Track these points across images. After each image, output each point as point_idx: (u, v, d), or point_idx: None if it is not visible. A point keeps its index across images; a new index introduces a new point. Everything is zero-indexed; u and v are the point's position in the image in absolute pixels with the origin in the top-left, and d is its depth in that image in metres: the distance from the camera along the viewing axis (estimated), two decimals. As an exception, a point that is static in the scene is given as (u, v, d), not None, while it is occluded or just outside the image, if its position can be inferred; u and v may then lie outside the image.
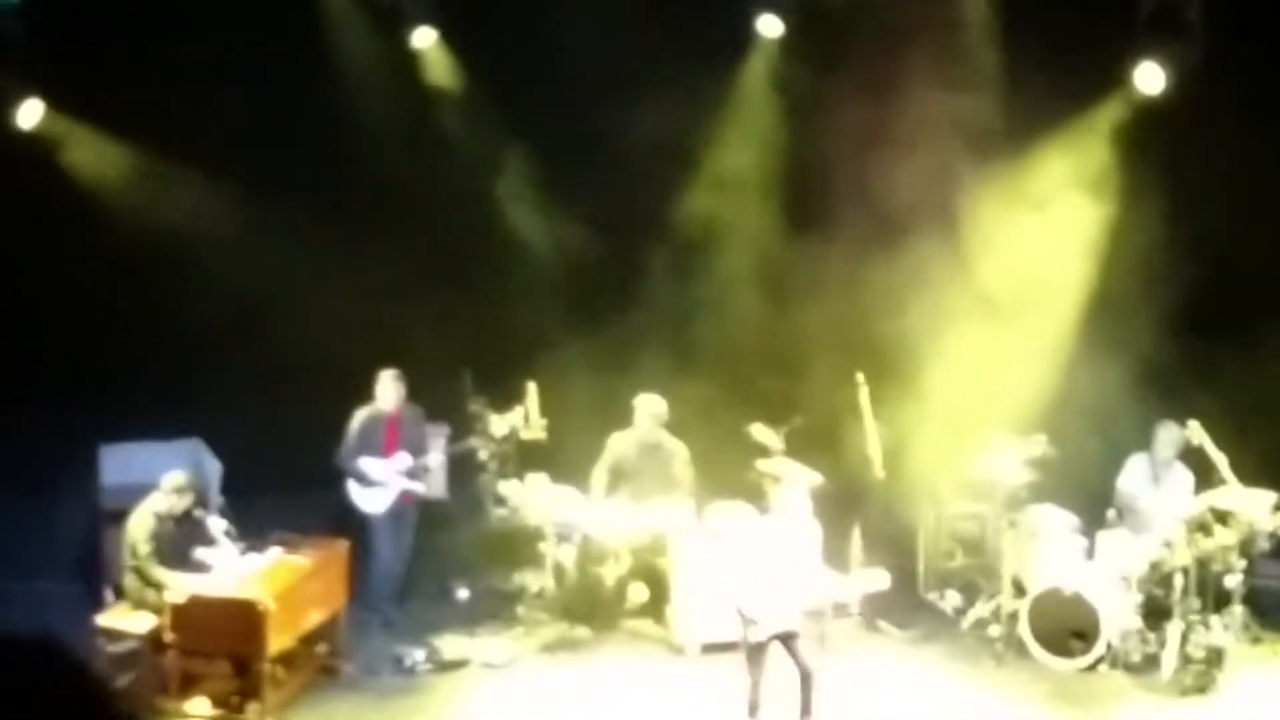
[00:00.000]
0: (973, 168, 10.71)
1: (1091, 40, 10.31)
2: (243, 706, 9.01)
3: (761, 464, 10.24)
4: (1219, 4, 10.20)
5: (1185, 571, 9.61)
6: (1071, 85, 10.57)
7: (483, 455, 10.79)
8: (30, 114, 10.65)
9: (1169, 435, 10.17)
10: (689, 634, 10.17)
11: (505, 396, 10.71)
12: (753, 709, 8.71)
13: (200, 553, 9.32)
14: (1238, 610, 9.74)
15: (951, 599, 10.83)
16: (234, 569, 9.22)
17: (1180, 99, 10.46)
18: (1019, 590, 10.12)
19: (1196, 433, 9.70)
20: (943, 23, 10.92)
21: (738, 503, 10.12)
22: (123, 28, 10.96)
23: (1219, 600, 9.74)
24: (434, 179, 11.87)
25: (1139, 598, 9.79)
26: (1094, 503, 10.35)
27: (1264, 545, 9.81)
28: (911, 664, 10.04)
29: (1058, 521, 10.26)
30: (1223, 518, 9.61)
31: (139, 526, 9.29)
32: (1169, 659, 9.57)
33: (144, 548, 9.25)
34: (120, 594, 9.52)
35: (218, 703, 9.07)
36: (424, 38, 11.87)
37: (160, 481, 9.37)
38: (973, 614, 10.49)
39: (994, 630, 10.11)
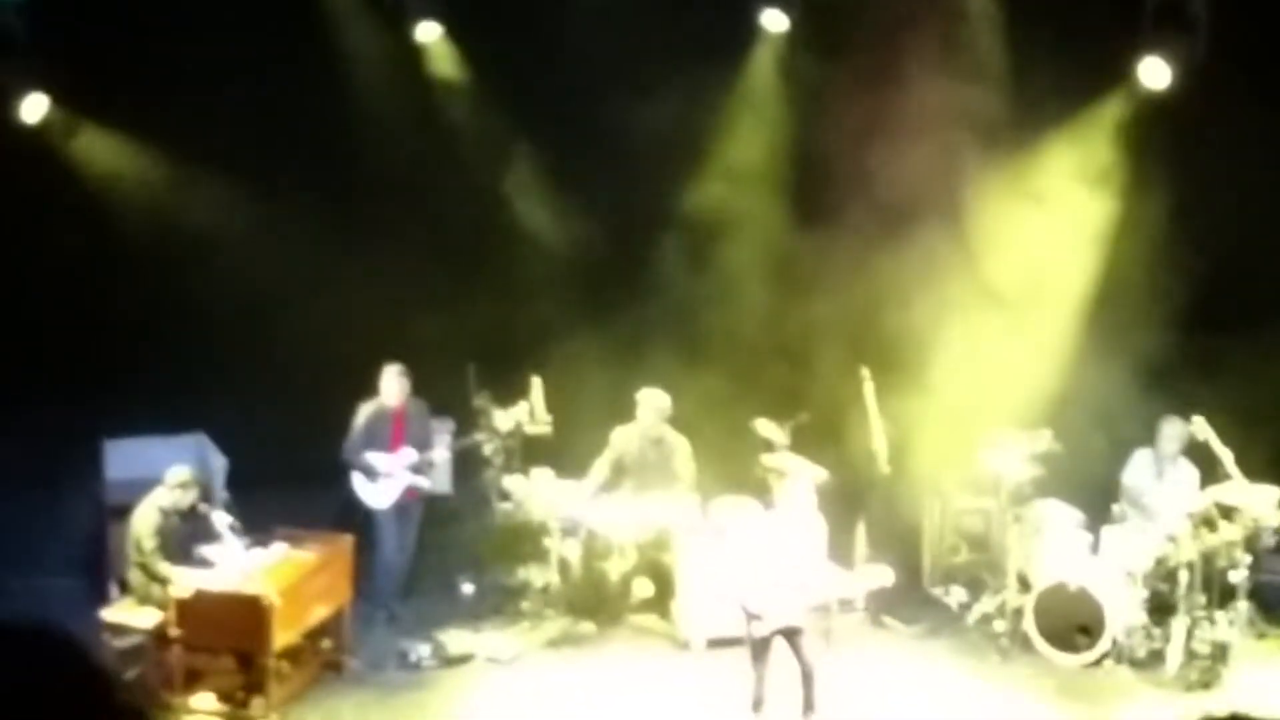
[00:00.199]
0: (978, 162, 10.69)
1: (1097, 34, 10.30)
2: (248, 702, 9.01)
3: (766, 459, 10.23)
4: (1225, -1, 10.20)
5: (1190, 567, 9.60)
6: (1077, 79, 10.56)
7: (487, 450, 10.77)
8: (34, 109, 10.63)
9: (1174, 430, 10.15)
10: (694, 629, 10.16)
11: (510, 391, 10.70)
12: (757, 704, 8.71)
13: (205, 549, 9.32)
14: (1243, 605, 9.73)
15: (956, 594, 10.82)
16: (239, 564, 9.21)
17: (1186, 94, 10.44)
18: (1024, 585, 10.11)
19: (1201, 428, 9.68)
20: (947, 16, 10.90)
21: (743, 498, 10.11)
22: (126, 24, 10.93)
23: (1224, 596, 9.73)
24: (439, 174, 11.86)
25: (1144, 593, 9.78)
26: (1099, 498, 10.34)
27: (1269, 540, 9.82)
28: (916, 659, 10.03)
29: (1063, 517, 10.25)
30: (1228, 513, 9.61)
31: (144, 521, 9.29)
32: (1174, 654, 9.56)
33: (149, 543, 9.25)
34: (125, 589, 9.53)
35: (223, 698, 9.07)
36: (428, 32, 11.85)
37: (165, 476, 9.37)
38: (978, 609, 10.48)
39: (999, 625, 10.10)
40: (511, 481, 10.74)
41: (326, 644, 9.82)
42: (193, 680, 9.11)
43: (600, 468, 10.75)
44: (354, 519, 10.47)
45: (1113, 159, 10.77)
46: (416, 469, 10.60)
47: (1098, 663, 9.71)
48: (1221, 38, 10.19)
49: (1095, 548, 10.10)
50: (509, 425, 10.65)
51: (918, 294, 10.65)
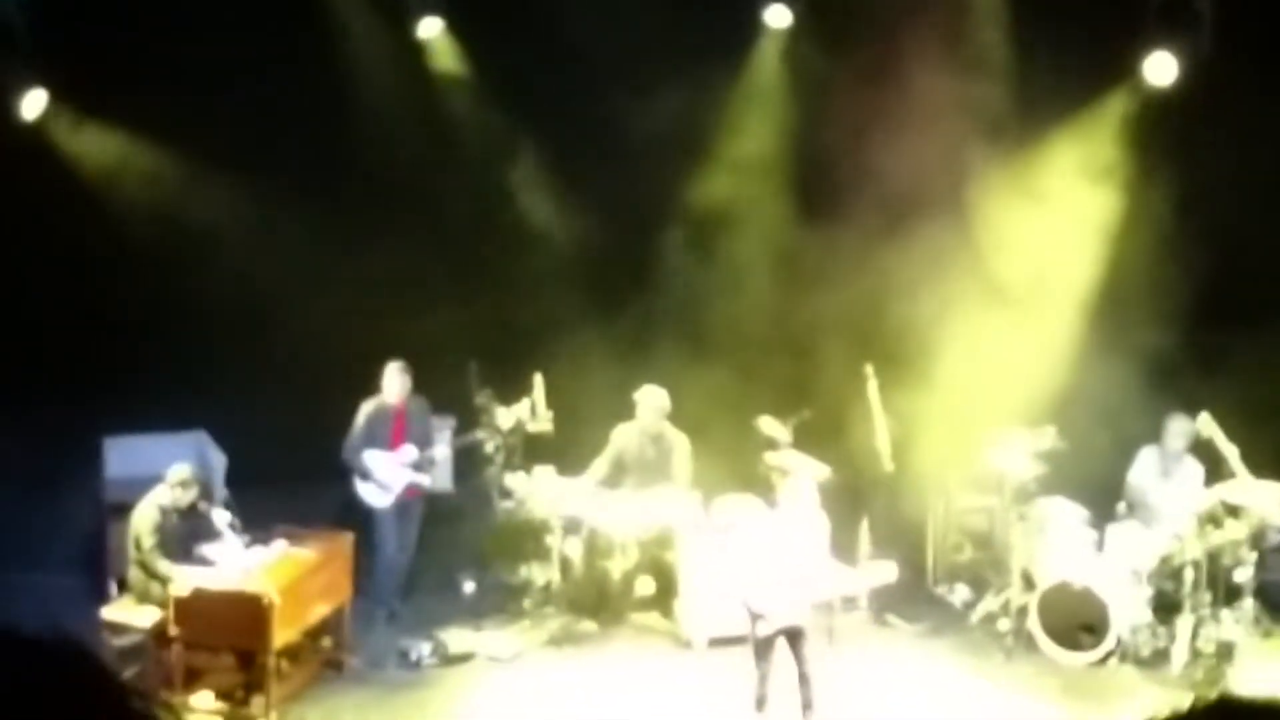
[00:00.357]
0: (983, 158, 10.64)
1: (1102, 29, 10.26)
2: (247, 700, 8.99)
3: (770, 457, 10.18)
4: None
5: (1195, 565, 9.56)
6: (1082, 74, 10.53)
7: (489, 448, 10.73)
8: (33, 105, 10.59)
9: (1179, 428, 10.10)
10: (696, 628, 10.12)
11: (512, 389, 10.65)
12: (760, 703, 8.67)
13: (205, 547, 9.28)
14: (1248, 604, 9.69)
15: (960, 593, 10.78)
16: (239, 562, 9.18)
17: (1191, 89, 10.40)
18: (1028, 584, 10.07)
19: (1207, 425, 9.64)
20: (951, 10, 10.86)
21: (746, 496, 10.07)
22: (126, 20, 10.90)
23: (1229, 594, 9.69)
24: (440, 170, 11.83)
25: (1149, 592, 9.74)
26: (1104, 496, 10.30)
27: (1275, 539, 9.77)
28: (920, 658, 9.99)
29: (1067, 515, 10.20)
30: (1233, 511, 9.56)
31: (143, 519, 9.26)
32: (1179, 653, 9.53)
33: (148, 541, 9.22)
34: (125, 587, 9.50)
35: (222, 696, 9.04)
36: (430, 28, 11.80)
37: (165, 474, 9.34)
38: (982, 608, 10.43)
39: (1003, 624, 10.06)
40: (513, 479, 10.69)
41: (327, 642, 9.80)
42: (193, 679, 9.08)
43: (599, 465, 10.71)
44: (354, 517, 10.44)
45: (1118, 154, 10.73)
46: (417, 467, 10.57)
47: (1102, 662, 9.66)
48: (1226, 32, 10.14)
49: (1100, 546, 10.05)
50: (510, 423, 10.61)
51: (922, 290, 10.60)
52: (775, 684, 8.63)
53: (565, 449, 10.79)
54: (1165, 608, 9.74)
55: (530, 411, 10.57)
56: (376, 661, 9.88)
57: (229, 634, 9.00)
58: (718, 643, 9.88)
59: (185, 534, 9.33)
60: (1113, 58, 10.62)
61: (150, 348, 11.23)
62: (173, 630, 8.94)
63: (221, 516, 9.41)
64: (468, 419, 10.96)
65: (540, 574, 10.74)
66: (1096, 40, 10.28)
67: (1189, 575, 9.57)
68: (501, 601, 10.78)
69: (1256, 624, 9.82)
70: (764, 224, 11.76)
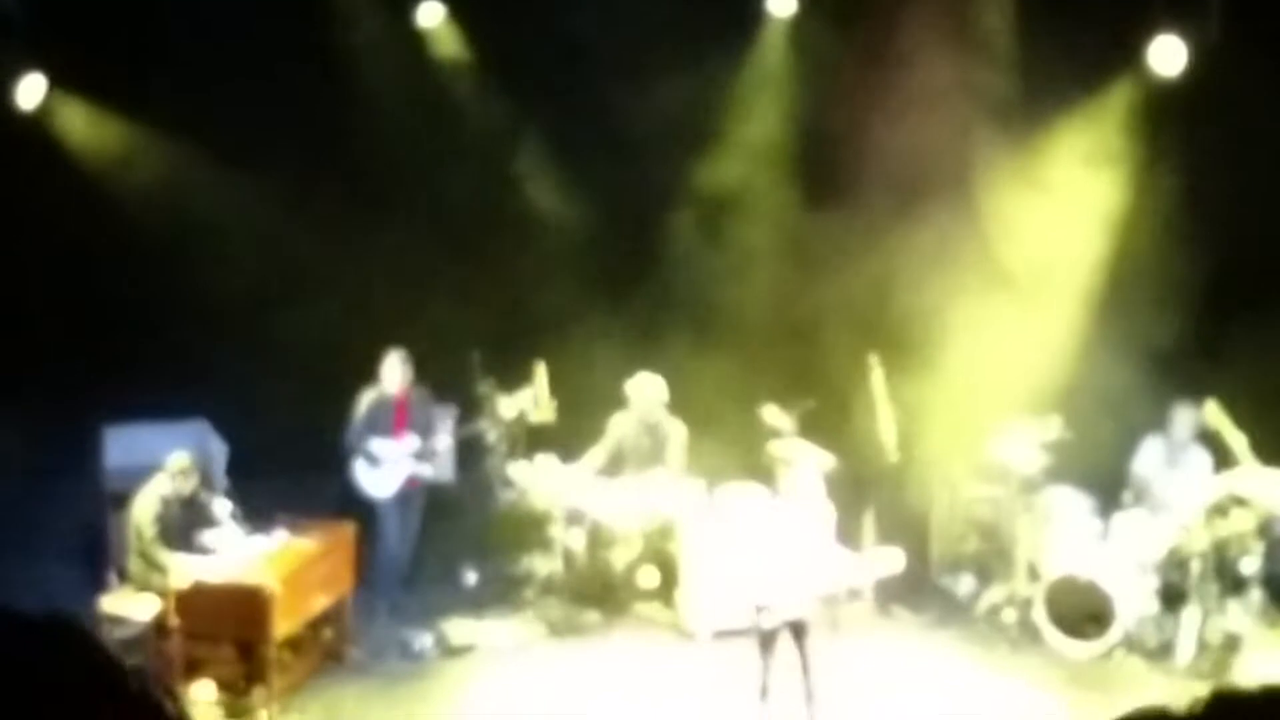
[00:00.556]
0: (988, 145, 10.58)
1: (1109, 17, 10.20)
2: (248, 691, 8.93)
3: (774, 446, 10.14)
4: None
5: (1202, 556, 9.51)
6: (1089, 61, 10.45)
7: (491, 438, 10.69)
8: (32, 91, 10.54)
9: (1185, 417, 10.05)
10: (699, 619, 10.09)
11: (516, 378, 10.61)
12: (763, 694, 8.62)
13: (205, 537, 9.25)
14: (1255, 595, 9.65)
15: (965, 583, 10.73)
16: (240, 552, 9.14)
17: (1198, 77, 10.34)
18: (1034, 574, 10.02)
19: (1214, 414, 9.58)
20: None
21: (750, 484, 10.02)
22: (125, 8, 10.86)
23: (1236, 585, 9.64)
24: (443, 158, 11.76)
25: (1155, 582, 9.69)
26: (1110, 485, 10.24)
27: (1281, 529, 9.71)
28: (924, 649, 9.95)
29: (1073, 505, 10.15)
30: (1241, 501, 9.51)
31: (144, 509, 9.22)
32: (1185, 644, 9.47)
33: (149, 530, 9.18)
34: (124, 577, 9.45)
35: (223, 687, 8.99)
36: (431, 15, 11.73)
37: (165, 463, 9.30)
38: (987, 598, 10.39)
39: (1008, 615, 10.01)
40: (515, 469, 10.65)
41: (328, 633, 9.75)
42: (193, 669, 9.02)
43: (597, 454, 10.67)
44: (356, 507, 10.40)
45: (1124, 142, 10.66)
46: (419, 457, 10.53)
47: (1108, 653, 9.61)
48: (1234, 18, 10.08)
49: (1106, 536, 9.99)
50: (513, 413, 10.56)
51: (927, 278, 10.53)
52: (778, 675, 8.58)
53: (570, 438, 10.75)
54: (1171, 598, 9.70)
55: (533, 401, 10.52)
56: (378, 652, 9.85)
57: (230, 625, 8.96)
58: (720, 634, 9.85)
59: (186, 524, 9.29)
60: (1120, 43, 10.56)
61: (151, 336, 11.18)
62: (173, 621, 8.90)
63: (222, 506, 9.37)
64: (470, 409, 10.92)
65: (542, 565, 10.70)
66: (1104, 27, 10.21)
67: (1195, 566, 9.52)
68: (503, 592, 10.75)
69: (1263, 615, 9.78)
70: (769, 212, 11.69)
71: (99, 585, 9.58)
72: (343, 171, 11.67)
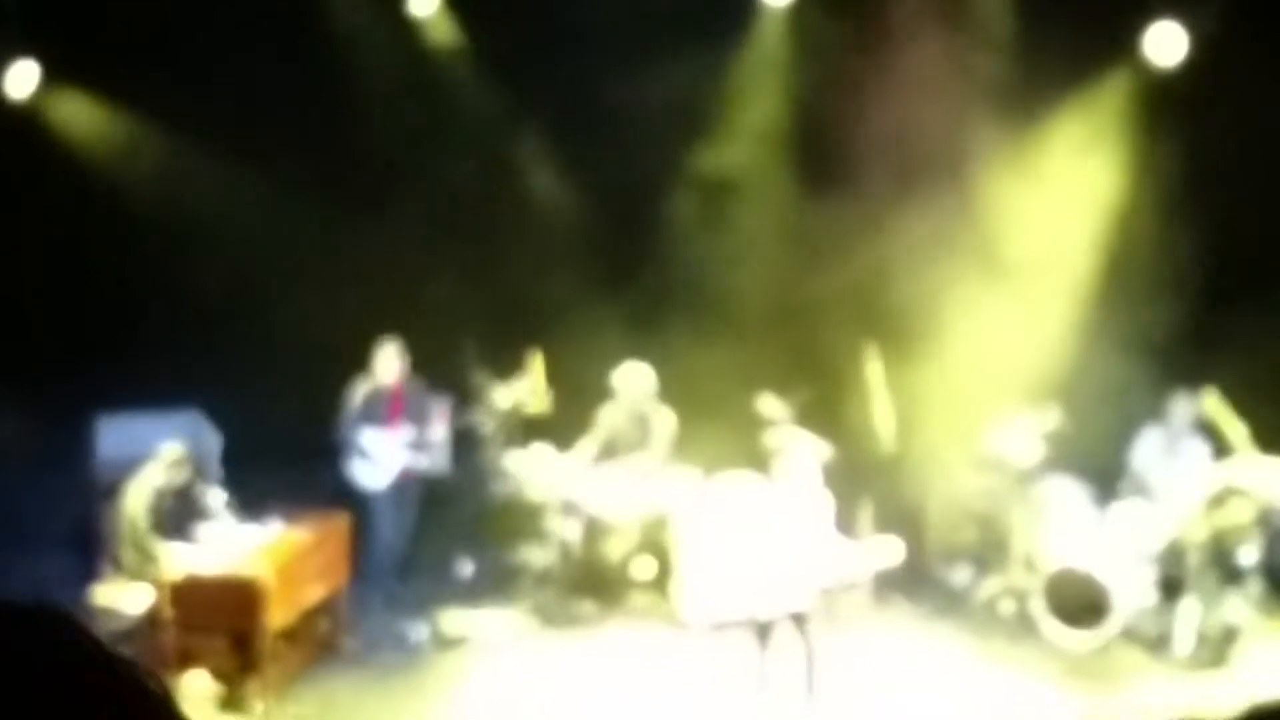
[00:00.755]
0: (986, 134, 10.54)
1: (1108, 4, 10.19)
2: (242, 682, 8.88)
3: (771, 435, 10.10)
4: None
5: (1200, 546, 9.48)
6: (1087, 48, 10.43)
7: (487, 428, 10.65)
8: (25, 79, 10.48)
9: (1183, 407, 10.03)
10: (695, 610, 10.05)
11: (513, 367, 10.56)
12: (760, 684, 8.60)
13: (199, 529, 9.20)
14: (1253, 586, 9.64)
15: (963, 574, 10.71)
16: (233, 543, 9.09)
17: (1197, 65, 10.32)
18: (1031, 565, 9.99)
19: (1213, 404, 9.56)
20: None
21: (746, 474, 9.99)
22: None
23: (1234, 576, 9.62)
24: (438, 147, 11.71)
25: (1153, 573, 9.67)
26: (1108, 476, 10.22)
27: (1280, 520, 9.70)
28: (922, 640, 9.92)
29: (1071, 495, 10.12)
30: (1239, 492, 9.48)
31: (137, 500, 9.17)
32: (1184, 635, 9.45)
33: (142, 521, 9.13)
34: (118, 568, 9.39)
35: (217, 678, 8.94)
36: (426, 3, 11.66)
37: (158, 454, 9.25)
38: (984, 589, 10.36)
39: (1006, 606, 9.99)
40: (511, 460, 10.61)
41: (323, 624, 9.72)
42: (187, 660, 8.97)
43: (588, 445, 10.64)
44: (350, 498, 10.36)
45: (1123, 130, 10.65)
46: (414, 448, 10.49)
47: (1106, 644, 9.59)
48: (1233, 6, 10.06)
49: (1104, 526, 9.97)
50: (508, 403, 10.52)
51: (923, 269, 10.51)
52: (775, 665, 8.56)
53: (566, 428, 10.71)
54: (1170, 589, 9.67)
55: (528, 391, 10.48)
56: (373, 643, 9.82)
57: (224, 616, 8.91)
58: (717, 625, 9.81)
59: (179, 514, 9.24)
60: (1119, 31, 10.54)
61: (144, 326, 11.15)
62: (167, 612, 8.86)
63: (216, 497, 9.33)
64: (465, 399, 10.87)
65: (538, 556, 10.67)
66: (1102, 14, 10.20)
67: (1194, 557, 9.50)
68: (499, 583, 10.72)
69: (1262, 606, 9.76)
70: (766, 200, 11.65)
71: (92, 576, 9.53)
72: (337, 160, 11.63)
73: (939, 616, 10.30)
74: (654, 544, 10.55)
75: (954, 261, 10.42)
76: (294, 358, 10.68)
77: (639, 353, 10.80)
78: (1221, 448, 9.65)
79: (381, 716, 8.94)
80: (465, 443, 11.17)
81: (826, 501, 8.68)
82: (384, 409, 10.45)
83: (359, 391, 10.46)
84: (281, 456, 10.61)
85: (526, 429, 10.69)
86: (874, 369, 10.26)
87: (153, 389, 10.55)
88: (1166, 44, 10.44)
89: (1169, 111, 10.56)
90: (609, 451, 10.72)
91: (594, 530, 10.57)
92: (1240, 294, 10.12)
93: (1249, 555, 9.50)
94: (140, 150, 11.29)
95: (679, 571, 10.26)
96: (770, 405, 10.31)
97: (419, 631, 9.88)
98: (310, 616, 9.52)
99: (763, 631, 8.52)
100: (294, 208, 11.11)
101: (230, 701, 8.84)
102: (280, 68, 11.06)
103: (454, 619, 10.17)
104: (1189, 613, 9.47)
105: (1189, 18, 10.29)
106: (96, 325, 11.05)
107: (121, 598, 9.16)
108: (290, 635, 9.25)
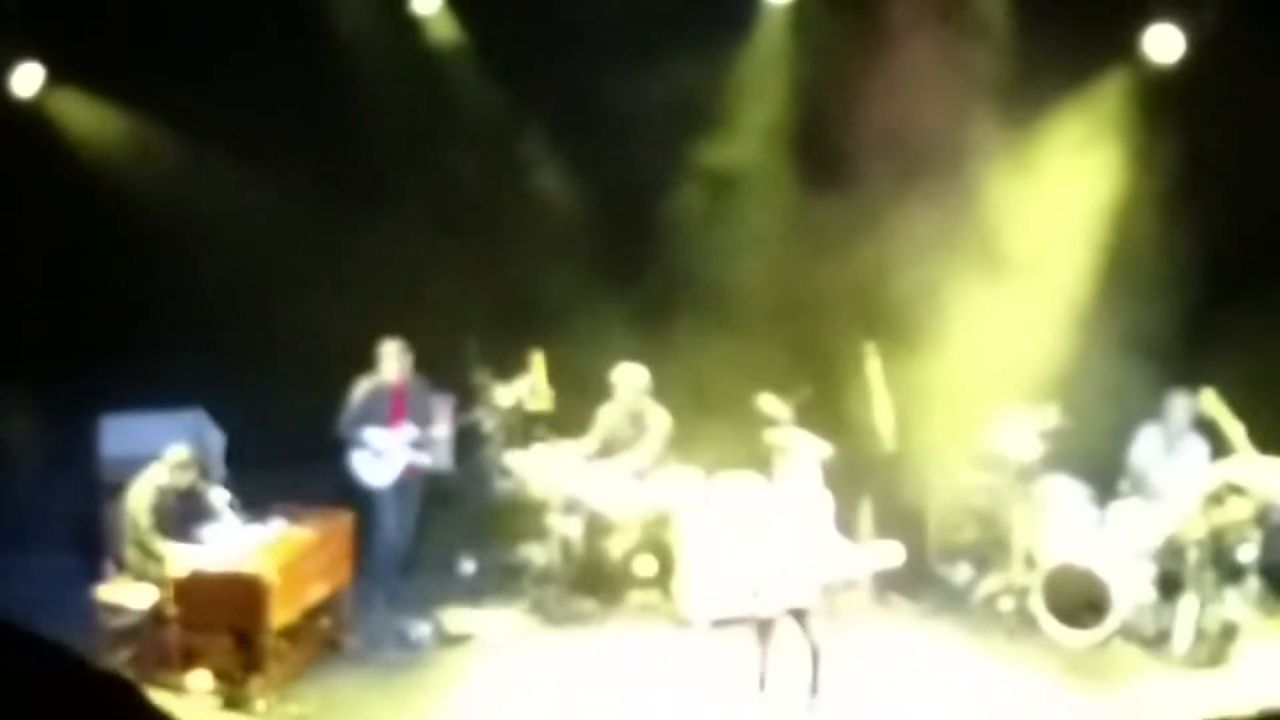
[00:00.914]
0: (985, 132, 10.55)
1: (1107, 4, 10.19)
2: (245, 681, 8.92)
3: (771, 434, 10.12)
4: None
5: (1199, 544, 9.50)
6: (1087, 47, 10.44)
7: (488, 427, 10.68)
8: (28, 79, 10.51)
9: (1182, 405, 10.04)
10: (696, 607, 10.08)
11: (517, 366, 10.58)
12: (761, 682, 8.63)
13: (202, 528, 9.23)
14: (1252, 583, 9.65)
15: (962, 572, 10.73)
16: (237, 542, 9.12)
17: (1197, 63, 10.33)
18: (1031, 563, 10.01)
19: (1211, 402, 9.58)
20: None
21: (747, 473, 10.02)
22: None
23: (1233, 573, 9.63)
24: (440, 145, 11.74)
25: (1152, 571, 9.69)
26: (1107, 474, 10.23)
27: (1279, 518, 9.70)
28: (922, 637, 9.95)
29: (1070, 493, 10.14)
30: (1238, 489, 9.50)
31: (140, 499, 9.21)
32: (1183, 633, 9.47)
33: (145, 520, 9.17)
34: (121, 567, 9.44)
35: (220, 677, 8.98)
36: (426, 3, 11.67)
37: (164, 455, 9.28)
38: (984, 587, 10.39)
39: (1005, 603, 10.01)
40: (512, 458, 10.64)
41: (326, 623, 9.74)
42: (190, 659, 9.02)
43: (587, 444, 10.66)
44: (353, 497, 10.39)
45: (1122, 128, 10.64)
46: (417, 446, 10.52)
47: (1105, 641, 9.61)
48: (1231, 7, 10.07)
49: (1103, 524, 9.99)
50: (510, 402, 10.55)
51: (923, 266, 10.52)
52: (776, 663, 8.58)
53: (568, 427, 10.73)
54: (1169, 587, 9.68)
55: (530, 390, 10.51)
56: (376, 642, 9.84)
57: (227, 614, 8.93)
58: (718, 622, 9.85)
59: (183, 513, 9.28)
60: (1117, 29, 10.54)
61: (147, 326, 11.16)
62: (170, 610, 8.90)
63: (219, 496, 9.36)
64: (467, 397, 10.90)
65: (540, 554, 10.70)
66: (1101, 14, 10.20)
67: (1193, 554, 9.50)
68: (501, 581, 10.74)
69: (1261, 603, 9.78)
70: (767, 198, 11.66)
71: (96, 575, 9.58)
72: (340, 159, 11.65)
73: (939, 614, 10.32)
74: (655, 542, 10.58)
75: (953, 259, 10.43)
76: (296, 357, 10.72)
77: (641, 350, 10.82)
78: (1220, 446, 9.67)
79: (384, 714, 8.96)
80: (467, 441, 11.20)
81: (827, 501, 8.71)
82: (387, 408, 10.48)
83: (362, 390, 10.48)
84: (284, 456, 10.64)
85: (528, 427, 10.70)
86: (873, 367, 10.28)
87: (156, 388, 10.58)
88: (1165, 42, 10.45)
89: (1168, 110, 10.56)
90: (606, 450, 10.74)
91: (595, 528, 10.59)
92: (1238, 292, 10.14)
93: (1247, 553, 9.51)
94: (143, 150, 11.30)
95: (680, 569, 10.29)
96: (770, 404, 10.33)
97: (421, 629, 9.90)
98: (313, 615, 9.54)
99: (764, 629, 8.54)
100: (296, 207, 11.13)
101: (233, 699, 8.88)
102: (281, 67, 11.09)
103: (456, 617, 10.20)
104: (1188, 610, 9.49)
105: (1185, 17, 10.29)
106: (100, 325, 11.07)
107: (125, 596, 9.21)
108: (293, 633, 9.28)
